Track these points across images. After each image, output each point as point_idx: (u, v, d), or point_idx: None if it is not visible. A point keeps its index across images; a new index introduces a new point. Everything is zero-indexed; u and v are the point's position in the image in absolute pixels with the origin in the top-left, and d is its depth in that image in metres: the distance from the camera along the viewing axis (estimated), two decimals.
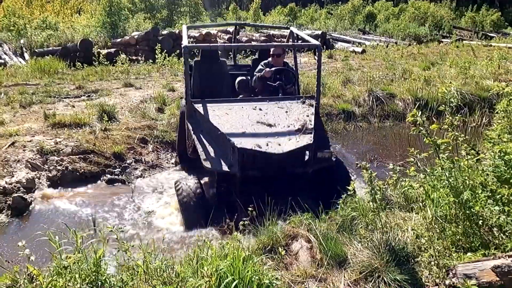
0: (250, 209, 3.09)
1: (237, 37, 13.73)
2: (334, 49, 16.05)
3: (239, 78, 5.36)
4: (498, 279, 2.23)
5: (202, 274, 1.74)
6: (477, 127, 7.60)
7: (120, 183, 5.15)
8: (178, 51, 12.82)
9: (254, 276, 1.75)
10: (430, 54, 14.66)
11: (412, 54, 14.80)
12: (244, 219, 3.02)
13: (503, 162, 2.96)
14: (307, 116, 4.07)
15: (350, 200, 3.37)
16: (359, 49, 15.44)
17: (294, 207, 3.42)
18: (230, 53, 7.48)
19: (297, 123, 3.94)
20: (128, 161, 5.65)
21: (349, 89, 8.85)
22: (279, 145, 3.62)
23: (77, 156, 5.31)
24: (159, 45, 11.76)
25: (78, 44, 13.09)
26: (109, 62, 11.87)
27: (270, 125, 3.92)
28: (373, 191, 2.92)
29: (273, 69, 4.82)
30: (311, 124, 3.90)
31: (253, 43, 14.16)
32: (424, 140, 3.22)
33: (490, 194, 2.99)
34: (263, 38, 15.58)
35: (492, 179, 2.99)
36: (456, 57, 13.21)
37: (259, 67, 5.09)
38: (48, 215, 4.32)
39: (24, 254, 2.56)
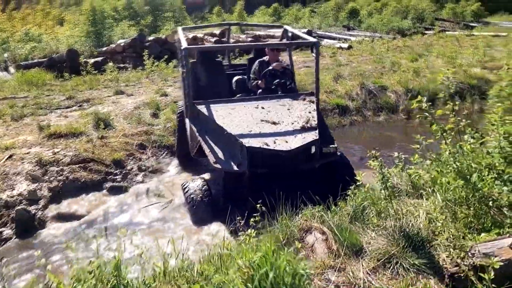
0: (259, 205, 3.10)
1: (224, 39, 13.73)
2: (320, 46, 16.14)
3: (236, 78, 5.39)
4: None
5: (237, 266, 1.74)
6: (470, 114, 7.74)
7: (122, 190, 5.10)
8: (166, 56, 12.79)
9: (287, 267, 1.75)
10: (415, 46, 14.86)
11: (398, 47, 14.97)
12: (255, 214, 3.04)
13: (507, 142, 3.03)
14: (309, 112, 4.13)
15: (359, 190, 3.40)
16: (346, 45, 15.56)
17: (304, 200, 3.43)
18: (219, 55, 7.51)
19: (301, 120, 4.00)
20: (128, 168, 5.61)
21: (341, 84, 8.92)
22: (286, 142, 3.68)
23: (77, 165, 5.25)
24: (147, 51, 11.69)
25: (64, 54, 12.93)
26: (97, 71, 11.79)
27: (274, 123, 3.98)
28: (384, 179, 2.95)
29: (266, 72, 4.87)
30: (314, 121, 3.97)
31: (246, 43, 14.18)
32: (432, 127, 3.26)
33: (496, 175, 3.05)
34: (249, 39, 15.61)
35: (499, 160, 3.04)
36: (441, 47, 13.42)
37: (254, 66, 5.12)
38: (56, 227, 4.27)
39: (41, 264, 2.54)
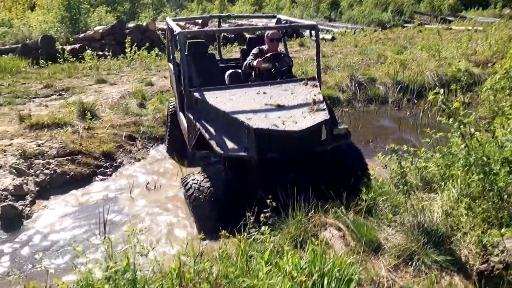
0: (270, 200, 2.96)
1: (205, 28, 13.37)
2: (304, 37, 16.05)
3: (229, 71, 5.15)
4: None
5: (286, 272, 1.60)
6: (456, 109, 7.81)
7: (114, 183, 4.85)
8: (147, 44, 12.36)
9: (338, 271, 1.63)
10: (396, 38, 14.96)
11: (380, 39, 15.05)
12: (265, 210, 2.89)
13: None
14: (315, 95, 3.93)
15: (372, 184, 3.31)
16: (329, 36, 15.51)
17: (316, 194, 3.30)
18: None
19: (307, 102, 3.77)
20: (119, 160, 5.35)
21: (330, 75, 8.85)
22: (296, 123, 3.41)
23: (64, 158, 4.96)
24: (129, 38, 11.23)
25: (39, 40, 12.28)
26: (75, 59, 11.28)
27: (279, 106, 3.72)
28: (403, 174, 2.87)
29: (267, 55, 4.64)
30: (321, 102, 3.77)
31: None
32: (444, 120, 3.18)
33: (509, 169, 3.03)
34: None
35: None
36: (422, 40, 13.56)
37: (254, 51, 4.90)
38: (48, 223, 4.00)
39: (43, 267, 2.33)
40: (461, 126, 3.01)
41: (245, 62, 4.83)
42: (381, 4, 23.34)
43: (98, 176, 4.96)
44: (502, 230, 2.61)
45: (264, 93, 4.03)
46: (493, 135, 3.28)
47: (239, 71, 5.10)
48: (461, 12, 24.75)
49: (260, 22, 16.16)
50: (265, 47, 4.91)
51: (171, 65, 5.15)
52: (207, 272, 2.17)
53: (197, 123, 3.82)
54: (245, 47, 5.57)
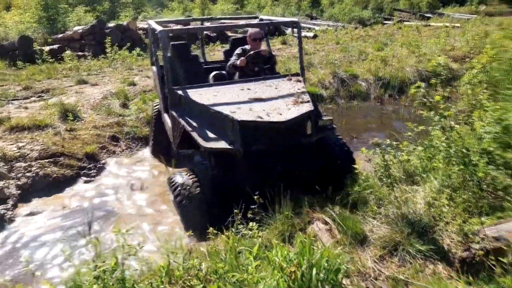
0: (257, 197, 2.96)
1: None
2: (286, 35, 16.12)
3: (214, 72, 5.14)
4: None
5: (275, 264, 1.62)
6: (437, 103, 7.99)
7: (99, 184, 4.79)
8: (128, 44, 12.24)
9: (327, 261, 1.66)
10: (377, 35, 15.19)
11: (361, 37, 15.24)
12: (253, 206, 2.91)
13: (501, 128, 3.11)
14: (299, 89, 3.96)
15: (357, 177, 3.37)
16: (311, 34, 15.64)
17: (303, 188, 3.33)
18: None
19: (292, 96, 3.79)
20: (102, 161, 5.28)
21: (313, 72, 8.92)
22: (281, 114, 3.42)
23: (46, 160, 4.87)
24: (109, 38, 11.08)
25: (16, 42, 12.00)
26: (54, 59, 11.07)
27: (263, 100, 3.71)
28: (387, 167, 2.93)
29: (250, 53, 4.65)
30: (306, 95, 3.79)
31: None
32: (427, 113, 3.26)
33: (487, 160, 3.13)
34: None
35: (492, 145, 3.11)
36: (402, 37, 13.79)
37: (237, 51, 4.91)
38: (32, 227, 3.92)
39: (29, 270, 2.30)
40: (442, 119, 3.09)
41: (229, 63, 4.83)
42: (362, 2, 23.65)
43: (82, 177, 4.89)
44: (482, 219, 2.69)
45: (248, 89, 4.02)
46: (472, 128, 3.38)
47: (224, 72, 5.09)
48: (439, 9, 25.30)
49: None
50: (248, 47, 4.92)
51: (154, 68, 5.11)
52: (196, 269, 2.18)
53: (181, 120, 3.79)
54: (227, 47, 5.58)
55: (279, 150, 3.47)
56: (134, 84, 8.41)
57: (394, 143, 3.65)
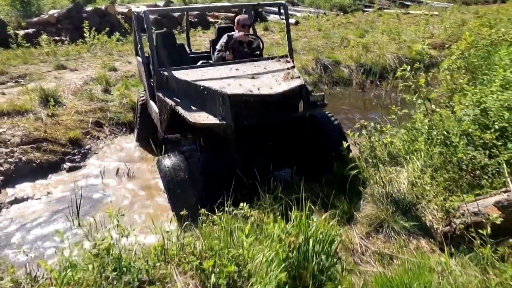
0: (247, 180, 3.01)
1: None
2: (268, 22, 16.07)
3: (200, 62, 5.10)
4: (500, 212, 2.46)
5: (274, 236, 1.69)
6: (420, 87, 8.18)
7: (84, 170, 4.76)
8: (107, 28, 11.95)
9: (321, 233, 1.74)
10: (358, 23, 15.32)
11: (342, 24, 15.35)
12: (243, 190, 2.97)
13: (479, 110, 3.25)
14: (288, 68, 3.97)
15: (344, 159, 3.46)
16: (293, 21, 15.61)
17: (293, 170, 3.39)
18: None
19: (281, 73, 3.77)
20: (87, 147, 5.22)
21: (296, 58, 8.96)
22: (271, 88, 3.38)
23: (29, 146, 4.78)
24: (87, 22, 10.79)
25: None
26: (30, 44, 10.74)
27: (253, 77, 3.68)
28: (372, 148, 3.03)
29: (236, 41, 4.63)
30: (295, 72, 3.77)
31: None
32: (411, 96, 3.36)
33: (467, 141, 3.28)
34: (195, 13, 15.04)
35: (471, 126, 3.25)
36: (382, 24, 13.96)
37: (222, 40, 4.89)
38: (17, 213, 3.88)
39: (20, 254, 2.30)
40: (425, 102, 3.20)
41: (216, 53, 4.77)
42: None
43: (67, 163, 4.84)
44: (463, 196, 2.84)
45: (237, 69, 3.96)
46: (452, 111, 3.51)
47: (211, 62, 5.05)
48: None
49: (229, 14, 15.82)
50: (234, 33, 4.90)
51: (139, 58, 5.01)
52: (192, 247, 2.23)
53: (168, 100, 3.70)
54: (209, 33, 5.54)
55: (271, 125, 3.43)
56: (115, 70, 8.27)
57: (378, 126, 3.77)
